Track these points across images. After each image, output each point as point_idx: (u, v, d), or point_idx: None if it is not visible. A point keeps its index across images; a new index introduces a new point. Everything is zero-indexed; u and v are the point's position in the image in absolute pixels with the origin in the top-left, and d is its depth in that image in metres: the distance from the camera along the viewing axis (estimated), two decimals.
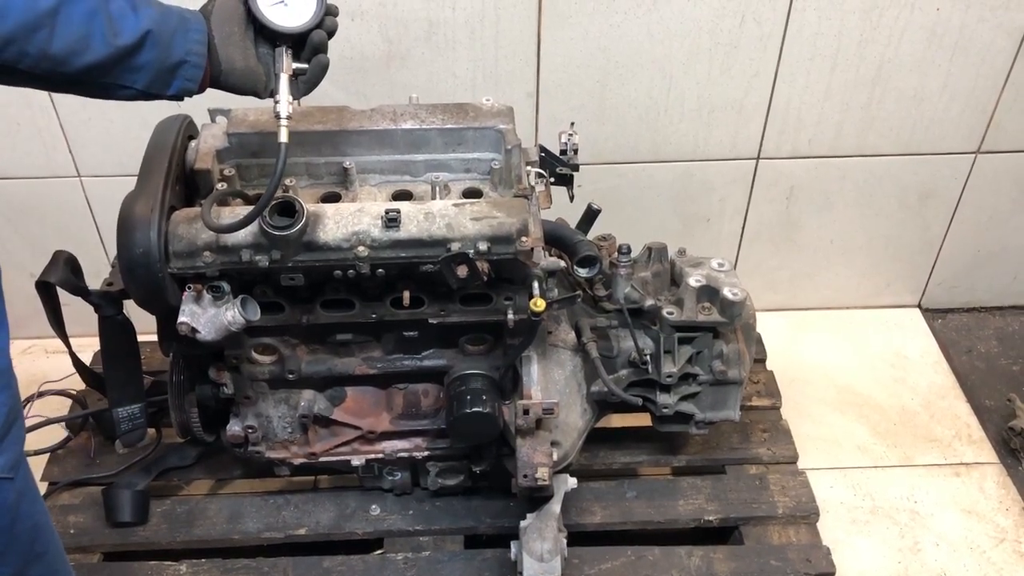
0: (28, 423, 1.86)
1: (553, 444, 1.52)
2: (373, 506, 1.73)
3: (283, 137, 1.19)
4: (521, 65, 1.92)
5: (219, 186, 1.40)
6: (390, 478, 1.72)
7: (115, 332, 1.47)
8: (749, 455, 1.85)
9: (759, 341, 2.04)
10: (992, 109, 2.04)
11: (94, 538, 1.69)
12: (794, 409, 2.01)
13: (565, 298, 1.49)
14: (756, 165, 2.11)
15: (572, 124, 1.59)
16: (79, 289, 1.45)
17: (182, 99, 1.17)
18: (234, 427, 1.58)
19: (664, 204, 2.16)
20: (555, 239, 1.58)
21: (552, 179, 1.57)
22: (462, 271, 1.33)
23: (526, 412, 1.46)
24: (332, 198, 1.45)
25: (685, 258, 1.68)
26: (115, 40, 1.06)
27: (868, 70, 1.96)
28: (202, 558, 1.66)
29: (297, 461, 1.63)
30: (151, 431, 1.80)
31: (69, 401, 1.98)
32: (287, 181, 1.40)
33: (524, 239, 1.36)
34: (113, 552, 1.69)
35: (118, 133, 1.96)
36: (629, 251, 1.61)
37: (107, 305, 1.44)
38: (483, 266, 1.35)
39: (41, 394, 1.97)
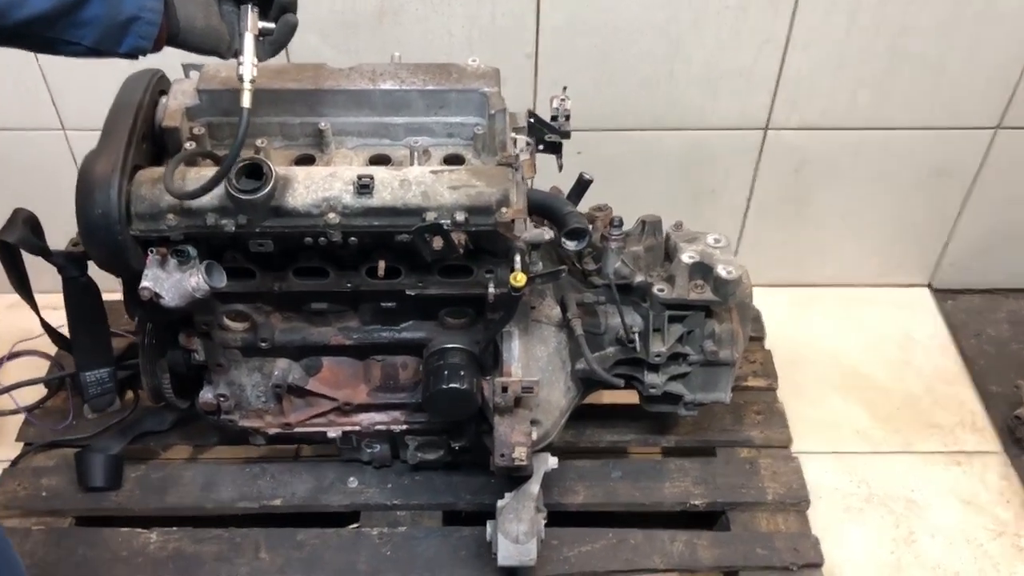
0: (4, 382, 1.84)
1: (533, 423, 1.47)
2: (351, 478, 1.68)
3: (246, 102, 1.13)
4: (519, 25, 1.83)
5: (187, 145, 1.34)
6: (369, 450, 1.67)
7: (80, 294, 1.43)
8: (741, 438, 1.79)
9: (758, 319, 1.98)
10: (1016, 82, 1.94)
11: (66, 502, 1.65)
12: (793, 390, 1.94)
13: (548, 273, 1.43)
14: (764, 135, 2.02)
15: (564, 89, 1.51)
16: (39, 249, 1.40)
17: (136, 58, 1.10)
18: (207, 394, 1.53)
19: (668, 174, 2.08)
20: (544, 209, 1.51)
21: (540, 147, 1.50)
22: (437, 243, 1.27)
23: (505, 390, 1.40)
24: (306, 160, 1.39)
25: (681, 232, 1.60)
26: None
27: (885, 37, 1.86)
28: (174, 526, 1.62)
29: (272, 431, 1.59)
30: (129, 394, 1.77)
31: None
32: (258, 142, 1.33)
33: (504, 210, 1.29)
34: (85, 516, 1.66)
35: (103, 86, 1.87)
36: (621, 224, 1.53)
37: (70, 266, 1.39)
38: (459, 238, 1.29)
39: (15, 354, 1.93)
